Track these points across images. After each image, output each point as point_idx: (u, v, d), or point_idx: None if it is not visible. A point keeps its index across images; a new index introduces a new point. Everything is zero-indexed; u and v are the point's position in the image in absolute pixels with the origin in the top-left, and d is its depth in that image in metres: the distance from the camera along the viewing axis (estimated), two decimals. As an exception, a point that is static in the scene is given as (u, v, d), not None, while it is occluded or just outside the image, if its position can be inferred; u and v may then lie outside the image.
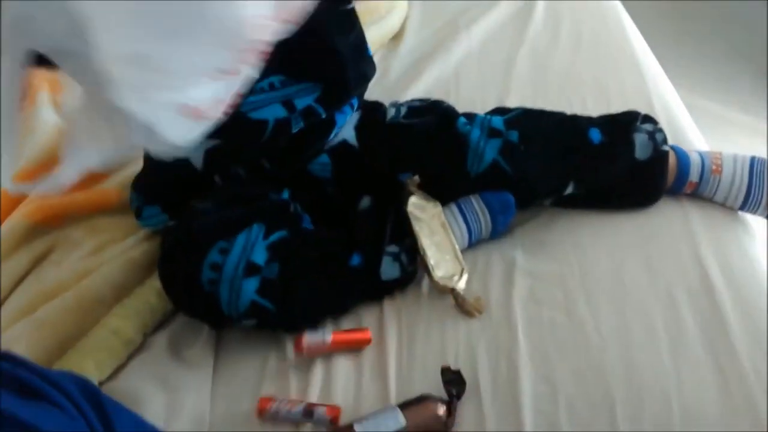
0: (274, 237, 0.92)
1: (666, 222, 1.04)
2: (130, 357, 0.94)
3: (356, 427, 0.82)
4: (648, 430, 0.80)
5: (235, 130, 0.94)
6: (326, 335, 0.93)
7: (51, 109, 1.34)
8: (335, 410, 0.86)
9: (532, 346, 0.90)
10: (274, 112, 0.94)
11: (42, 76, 1.45)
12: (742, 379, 0.83)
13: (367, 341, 0.94)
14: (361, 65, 1.04)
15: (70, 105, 1.36)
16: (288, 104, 0.95)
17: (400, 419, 0.82)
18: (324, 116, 0.97)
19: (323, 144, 1.02)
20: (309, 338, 0.92)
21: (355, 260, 0.96)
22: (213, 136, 0.93)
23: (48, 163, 1.19)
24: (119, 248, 1.03)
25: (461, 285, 0.97)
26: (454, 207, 1.03)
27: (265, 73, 0.90)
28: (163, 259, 0.94)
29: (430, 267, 0.97)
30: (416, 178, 1.03)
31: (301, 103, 0.95)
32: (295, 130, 0.96)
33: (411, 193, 1.02)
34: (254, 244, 0.90)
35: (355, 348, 0.94)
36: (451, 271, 0.98)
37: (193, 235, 0.92)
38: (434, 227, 1.00)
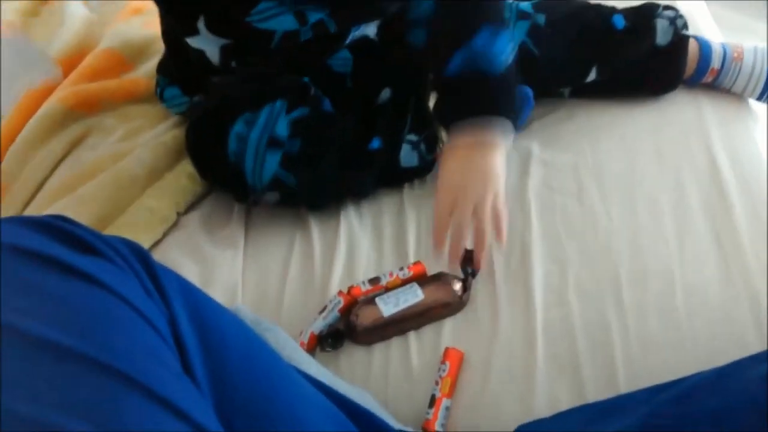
0: (297, 113, 0.94)
1: (678, 113, 1.07)
2: (165, 234, 0.99)
3: (378, 301, 0.88)
4: (651, 304, 0.85)
5: (241, 37, 0.94)
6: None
7: (79, 2, 1.36)
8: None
9: (544, 228, 0.95)
10: (283, 24, 0.92)
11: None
12: (742, 258, 0.88)
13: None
14: None
15: None
16: (300, 15, 0.92)
17: (419, 293, 0.88)
18: (333, 31, 0.96)
19: (339, 47, 1.01)
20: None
21: (375, 144, 0.99)
22: (224, 36, 0.94)
23: (77, 54, 1.22)
24: (151, 134, 1.07)
25: None
26: None
27: None
28: (191, 130, 0.96)
29: None
30: None
31: (313, 17, 0.93)
32: (303, 40, 0.95)
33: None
34: (277, 118, 0.92)
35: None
36: None
37: (219, 106, 0.94)
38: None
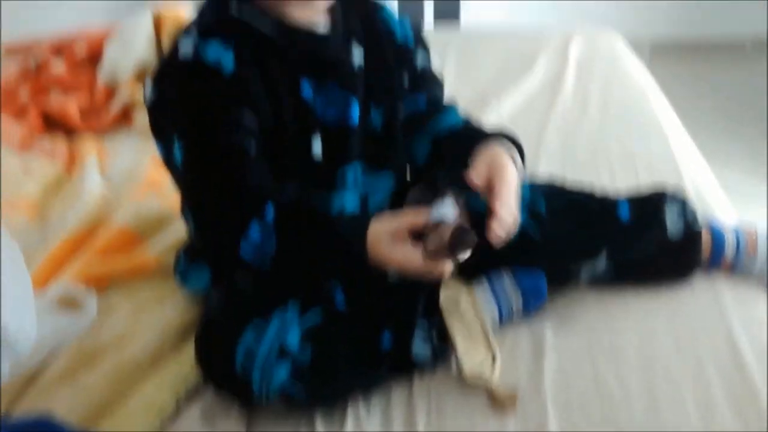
0: (309, 320, 0.93)
1: (695, 298, 1.05)
2: (163, 424, 0.94)
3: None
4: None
5: None
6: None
7: (98, 175, 1.39)
8: None
9: (561, 417, 0.90)
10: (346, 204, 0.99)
11: (91, 141, 1.52)
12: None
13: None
14: None
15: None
16: (363, 201, 1.00)
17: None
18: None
19: None
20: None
21: (386, 341, 0.95)
22: None
23: (91, 230, 1.24)
24: (156, 314, 1.05)
25: (493, 377, 0.95)
26: (486, 285, 1.03)
27: (349, 158, 0.98)
28: (200, 338, 0.96)
29: (459, 361, 0.97)
30: None
31: (373, 202, 1.01)
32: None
33: None
34: (288, 327, 0.91)
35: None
36: (480, 359, 0.97)
37: (227, 317, 0.94)
38: (465, 309, 1.01)
